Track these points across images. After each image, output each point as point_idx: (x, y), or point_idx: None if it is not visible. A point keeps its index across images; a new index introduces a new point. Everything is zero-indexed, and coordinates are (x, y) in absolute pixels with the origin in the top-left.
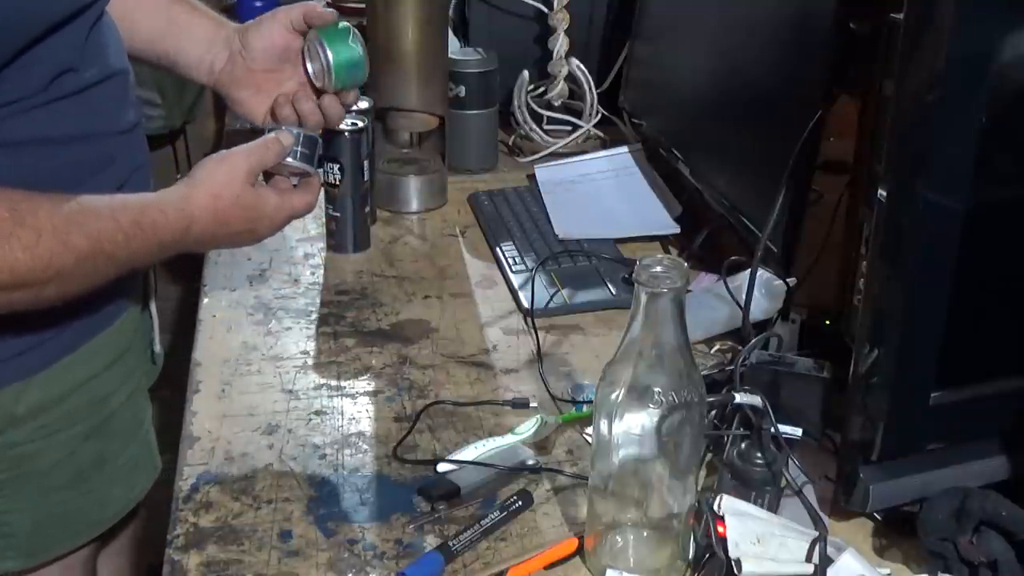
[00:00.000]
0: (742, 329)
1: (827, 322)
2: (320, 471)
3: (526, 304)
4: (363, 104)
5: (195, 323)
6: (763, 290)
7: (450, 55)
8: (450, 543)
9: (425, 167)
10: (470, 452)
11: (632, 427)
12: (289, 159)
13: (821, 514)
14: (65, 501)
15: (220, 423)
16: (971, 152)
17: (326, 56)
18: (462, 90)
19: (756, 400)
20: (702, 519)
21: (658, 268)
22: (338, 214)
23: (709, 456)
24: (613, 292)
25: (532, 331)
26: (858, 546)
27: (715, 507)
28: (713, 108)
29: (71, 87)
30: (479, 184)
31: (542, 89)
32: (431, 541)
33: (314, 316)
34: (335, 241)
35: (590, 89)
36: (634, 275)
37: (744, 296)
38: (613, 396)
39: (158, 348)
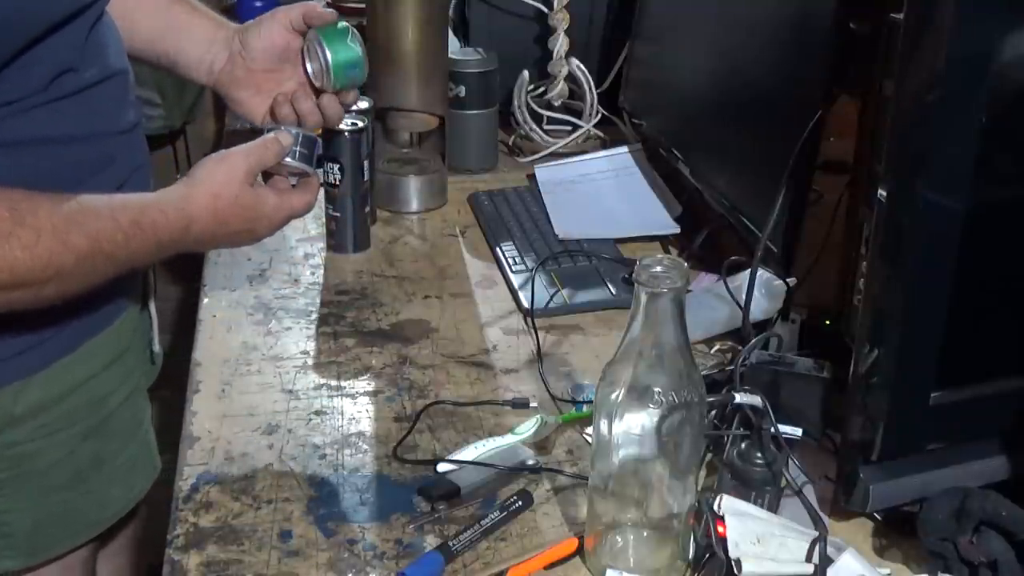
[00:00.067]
0: (742, 329)
1: (827, 322)
2: (320, 471)
3: (526, 304)
4: (363, 104)
5: (195, 323)
6: (763, 290)
7: (450, 55)
8: (450, 543)
9: (425, 167)
10: (470, 452)
11: (632, 427)
12: (288, 159)
13: (821, 514)
14: (64, 501)
15: (220, 423)
16: (971, 152)
17: (325, 56)
18: (462, 90)
19: (756, 400)
20: (702, 519)
21: (658, 268)
22: (338, 214)
23: (709, 456)
24: (613, 292)
25: (532, 331)
26: (858, 546)
27: (715, 507)
28: (713, 108)
29: (71, 87)
30: (479, 184)
31: (542, 89)
32: (431, 541)
33: (314, 316)
34: (335, 241)
35: (590, 89)
36: (634, 275)
37: (744, 296)
38: (613, 396)
39: (157, 348)
